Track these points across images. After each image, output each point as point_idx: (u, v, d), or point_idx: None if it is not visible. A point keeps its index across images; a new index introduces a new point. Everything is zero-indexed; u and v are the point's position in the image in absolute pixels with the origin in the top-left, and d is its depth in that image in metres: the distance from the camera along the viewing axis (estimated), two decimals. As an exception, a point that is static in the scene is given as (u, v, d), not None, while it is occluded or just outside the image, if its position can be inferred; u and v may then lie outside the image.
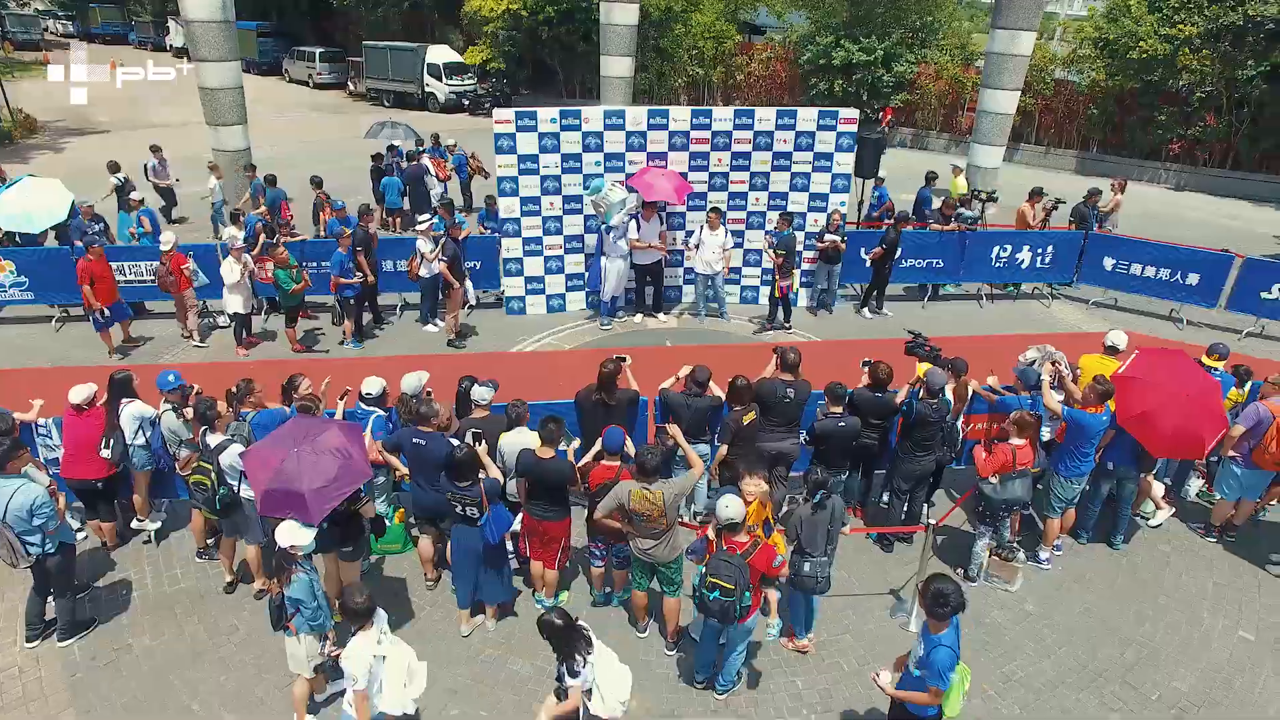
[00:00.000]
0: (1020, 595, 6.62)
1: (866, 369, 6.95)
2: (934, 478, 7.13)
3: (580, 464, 5.89)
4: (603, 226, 10.65)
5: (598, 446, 5.83)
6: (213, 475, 5.83)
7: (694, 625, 6.12)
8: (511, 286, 11.74)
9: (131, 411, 6.51)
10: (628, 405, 6.72)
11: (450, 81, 29.12)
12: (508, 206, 11.16)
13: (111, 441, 6.43)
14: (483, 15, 27.74)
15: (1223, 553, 7.20)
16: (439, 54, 29.46)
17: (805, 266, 12.00)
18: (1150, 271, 11.82)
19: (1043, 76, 21.54)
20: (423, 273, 10.60)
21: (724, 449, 6.57)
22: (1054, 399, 6.64)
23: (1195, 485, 7.87)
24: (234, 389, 6.37)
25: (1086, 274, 12.32)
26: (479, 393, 6.31)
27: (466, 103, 29.24)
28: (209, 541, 6.74)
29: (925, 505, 7.05)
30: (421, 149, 15.59)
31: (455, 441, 6.14)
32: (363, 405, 6.60)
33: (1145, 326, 11.86)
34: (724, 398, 6.78)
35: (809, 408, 6.81)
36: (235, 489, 5.91)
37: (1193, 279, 11.55)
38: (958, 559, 6.90)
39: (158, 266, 10.01)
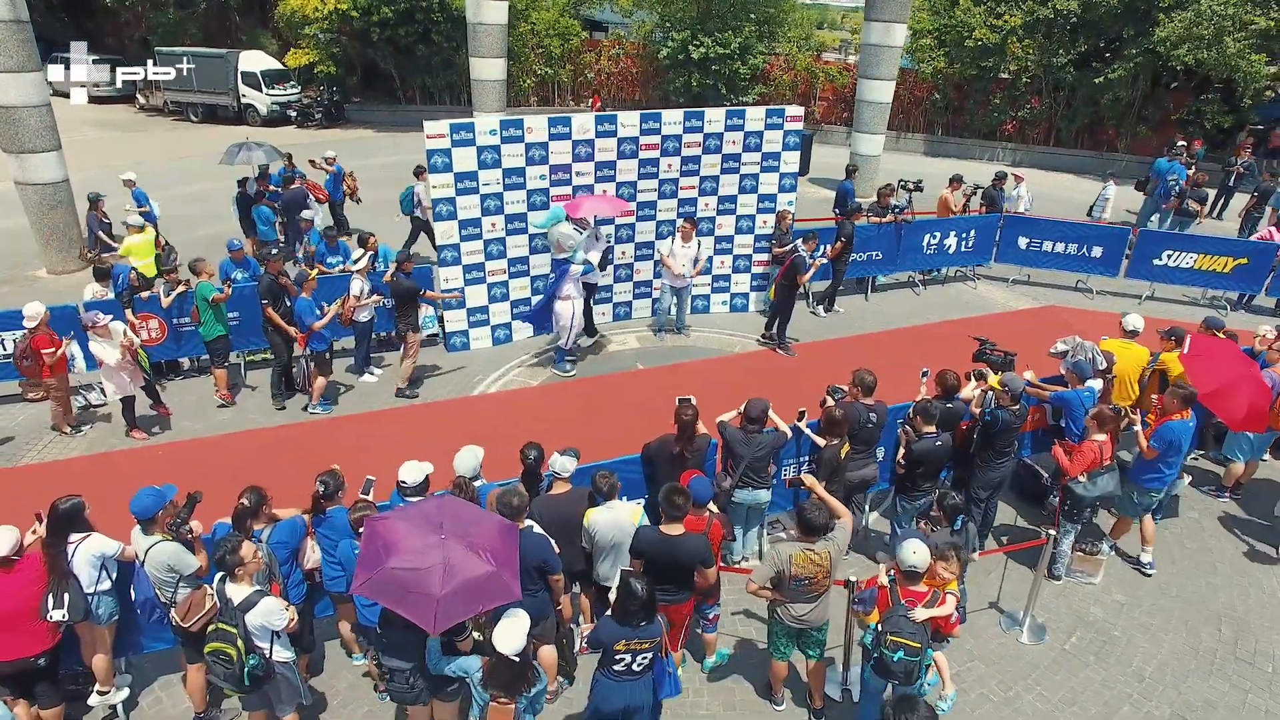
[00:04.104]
0: (1104, 587, 6.66)
1: (927, 378, 6.73)
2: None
3: None
4: (569, 264, 9.39)
5: None
6: (239, 642, 4.38)
7: (830, 686, 5.59)
8: (452, 320, 10.43)
9: (90, 550, 4.86)
10: (705, 453, 6.02)
11: (272, 91, 25.96)
12: (445, 231, 9.85)
13: (65, 597, 4.75)
14: (303, 15, 24.94)
15: (1238, 511, 7.70)
16: (254, 60, 26.18)
17: (755, 270, 11.72)
18: (1060, 247, 12.69)
19: (889, 66, 22.83)
20: (360, 317, 9.14)
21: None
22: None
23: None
24: (244, 503, 4.87)
25: (1003, 254, 13.02)
26: (561, 463, 5.31)
27: (294, 114, 26.24)
28: (208, 699, 5.22)
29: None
30: (293, 171, 13.51)
31: (538, 529, 5.12)
32: (404, 498, 5.35)
33: (1058, 298, 12.74)
34: (789, 433, 6.22)
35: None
36: (267, 654, 4.53)
37: (1097, 251, 12.54)
38: (1030, 558, 6.82)
39: (19, 345, 7.75)
